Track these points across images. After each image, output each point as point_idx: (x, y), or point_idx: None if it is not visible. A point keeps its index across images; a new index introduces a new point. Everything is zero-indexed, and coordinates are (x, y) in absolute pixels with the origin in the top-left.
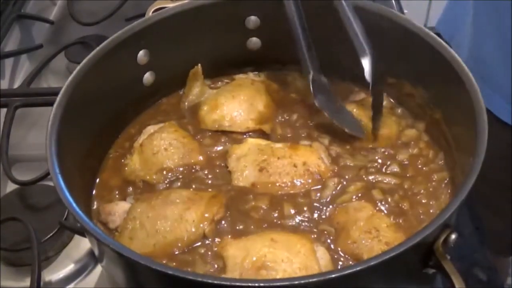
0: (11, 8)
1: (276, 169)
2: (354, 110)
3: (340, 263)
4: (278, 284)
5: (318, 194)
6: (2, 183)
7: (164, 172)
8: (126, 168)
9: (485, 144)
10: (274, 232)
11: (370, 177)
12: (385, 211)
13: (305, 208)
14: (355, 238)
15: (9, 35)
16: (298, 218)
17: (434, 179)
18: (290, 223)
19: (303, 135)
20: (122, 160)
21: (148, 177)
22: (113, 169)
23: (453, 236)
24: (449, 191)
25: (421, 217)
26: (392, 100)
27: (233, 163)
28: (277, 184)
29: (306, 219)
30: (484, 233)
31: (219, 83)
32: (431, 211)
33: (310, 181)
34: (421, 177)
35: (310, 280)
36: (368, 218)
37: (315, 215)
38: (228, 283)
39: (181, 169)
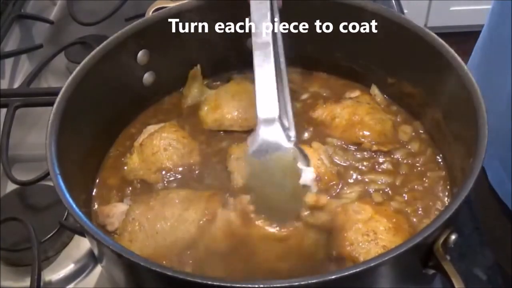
0: (11, 8)
1: None
2: (350, 107)
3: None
4: (277, 285)
5: (318, 196)
6: (2, 183)
7: (163, 172)
8: (125, 167)
9: (485, 145)
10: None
11: (366, 177)
12: (384, 213)
13: (303, 209)
14: (352, 240)
15: (9, 35)
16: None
17: (430, 176)
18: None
19: (309, 129)
20: (122, 159)
21: (146, 177)
22: (112, 168)
23: (453, 237)
24: (447, 189)
25: (419, 212)
26: (387, 97)
27: (232, 163)
28: None
29: (305, 220)
30: (484, 233)
31: (218, 82)
32: (430, 203)
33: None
34: (417, 175)
35: (310, 282)
36: (367, 220)
37: (313, 216)
38: (228, 285)
39: (180, 169)
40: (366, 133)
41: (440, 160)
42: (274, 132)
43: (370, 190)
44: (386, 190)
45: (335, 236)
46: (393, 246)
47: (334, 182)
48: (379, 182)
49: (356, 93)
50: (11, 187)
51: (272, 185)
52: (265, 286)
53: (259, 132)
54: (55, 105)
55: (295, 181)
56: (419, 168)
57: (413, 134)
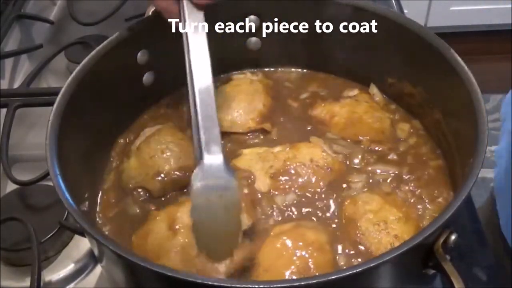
0: (11, 8)
1: (288, 173)
2: (348, 105)
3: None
4: (278, 285)
5: (327, 187)
6: (2, 183)
7: (162, 175)
8: (123, 174)
9: (485, 145)
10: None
11: (369, 168)
12: (393, 203)
13: (314, 202)
14: (363, 230)
15: (9, 35)
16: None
17: (432, 166)
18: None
19: (308, 128)
20: (116, 161)
21: (145, 184)
22: (112, 170)
23: (453, 237)
24: (448, 179)
25: (425, 201)
26: (385, 97)
27: (241, 176)
28: (296, 186)
29: (315, 213)
30: (484, 233)
31: (218, 83)
32: (434, 193)
33: (323, 174)
34: (419, 166)
35: (310, 282)
36: (377, 210)
37: (323, 208)
38: (228, 285)
39: (177, 172)
40: (365, 131)
41: (440, 152)
42: (220, 170)
43: (374, 180)
44: (390, 179)
45: (347, 226)
46: (404, 235)
47: (343, 171)
48: (382, 172)
49: (354, 92)
50: (11, 187)
51: (215, 221)
52: (265, 286)
53: (205, 169)
54: (55, 105)
55: (237, 217)
56: (421, 158)
57: (411, 130)
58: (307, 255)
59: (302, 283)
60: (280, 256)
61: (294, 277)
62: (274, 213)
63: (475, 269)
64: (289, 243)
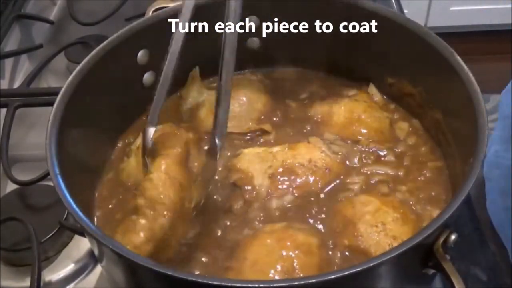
0: (11, 8)
1: (286, 173)
2: (346, 105)
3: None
4: (277, 285)
5: (325, 188)
6: (2, 183)
7: None
8: (123, 173)
9: (485, 145)
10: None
11: (367, 168)
12: (391, 204)
13: (312, 203)
14: (362, 232)
15: (9, 35)
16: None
17: (430, 166)
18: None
19: (307, 128)
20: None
21: None
22: (113, 173)
23: (453, 237)
24: (448, 180)
25: (422, 202)
26: (384, 96)
27: (239, 177)
28: (294, 186)
29: (312, 214)
30: (484, 233)
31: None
32: (432, 193)
33: (322, 175)
34: (418, 166)
35: (309, 281)
36: (375, 212)
37: (321, 209)
38: (228, 284)
39: None
40: (364, 130)
41: (439, 153)
42: None
43: (372, 181)
44: (388, 180)
45: (344, 228)
46: (403, 236)
47: (342, 171)
48: (380, 173)
49: (353, 92)
50: (11, 187)
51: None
52: (265, 285)
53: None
54: (55, 105)
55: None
56: (419, 159)
57: (410, 129)
58: (293, 256)
59: (302, 282)
60: (267, 253)
61: (277, 277)
62: (270, 213)
63: (475, 269)
64: (277, 242)
